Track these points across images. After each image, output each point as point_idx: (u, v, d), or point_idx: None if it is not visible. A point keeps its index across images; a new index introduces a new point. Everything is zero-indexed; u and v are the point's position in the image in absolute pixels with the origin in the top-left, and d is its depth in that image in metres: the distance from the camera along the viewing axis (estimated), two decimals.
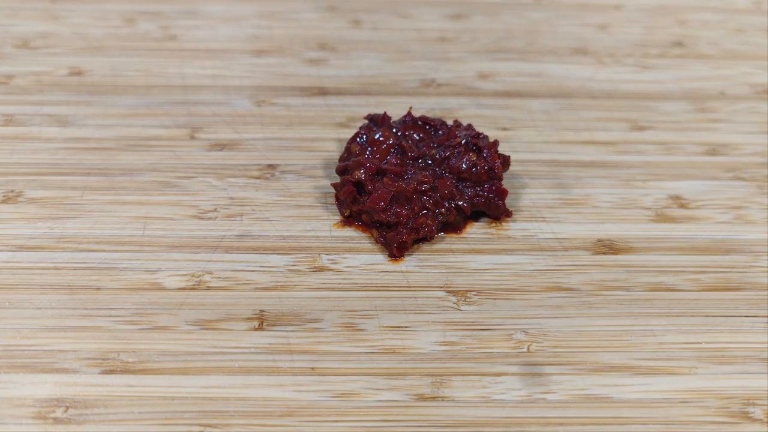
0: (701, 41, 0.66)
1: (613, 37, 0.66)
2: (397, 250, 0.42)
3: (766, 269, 0.43)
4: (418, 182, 0.44)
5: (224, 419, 0.34)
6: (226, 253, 0.43)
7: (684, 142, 0.53)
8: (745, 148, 0.53)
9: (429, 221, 0.43)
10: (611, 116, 0.56)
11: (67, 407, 0.34)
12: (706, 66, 0.62)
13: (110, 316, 0.39)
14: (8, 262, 0.41)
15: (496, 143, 0.46)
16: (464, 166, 0.45)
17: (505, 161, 0.47)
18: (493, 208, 0.45)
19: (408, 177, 0.45)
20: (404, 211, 0.43)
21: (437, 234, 0.44)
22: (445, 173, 0.45)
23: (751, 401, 0.36)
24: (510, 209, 0.45)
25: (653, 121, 0.55)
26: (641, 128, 0.54)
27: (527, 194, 0.48)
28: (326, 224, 0.45)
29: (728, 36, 0.67)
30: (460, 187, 0.45)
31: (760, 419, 0.35)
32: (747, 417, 0.35)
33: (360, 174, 0.44)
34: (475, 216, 0.46)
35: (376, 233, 0.44)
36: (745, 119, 0.56)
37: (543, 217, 0.46)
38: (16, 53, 0.60)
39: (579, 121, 0.55)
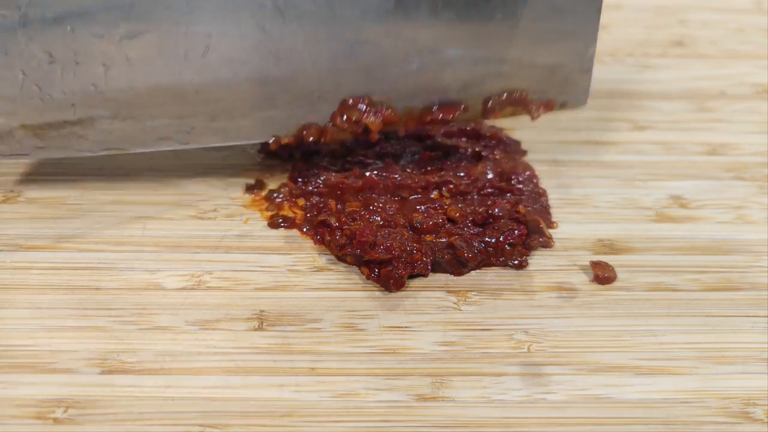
0: (701, 41, 0.66)
1: (613, 37, 0.66)
2: (394, 287, 0.40)
3: (766, 269, 0.43)
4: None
5: (224, 419, 0.34)
6: (226, 253, 0.43)
7: (684, 142, 0.53)
8: (745, 148, 0.53)
9: (424, 258, 0.41)
10: (611, 116, 0.56)
11: (67, 407, 0.34)
12: (707, 65, 0.62)
13: (110, 316, 0.38)
14: (8, 262, 0.41)
15: (541, 229, 0.44)
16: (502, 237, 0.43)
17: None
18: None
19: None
20: (396, 243, 0.41)
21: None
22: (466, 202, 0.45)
23: (751, 401, 0.36)
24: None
25: (653, 121, 0.55)
26: (641, 128, 0.54)
27: None
28: None
29: (728, 36, 0.67)
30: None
31: (761, 419, 0.35)
32: (747, 417, 0.35)
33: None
34: None
35: (366, 271, 0.41)
36: (745, 119, 0.56)
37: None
38: None
39: (579, 121, 0.55)
